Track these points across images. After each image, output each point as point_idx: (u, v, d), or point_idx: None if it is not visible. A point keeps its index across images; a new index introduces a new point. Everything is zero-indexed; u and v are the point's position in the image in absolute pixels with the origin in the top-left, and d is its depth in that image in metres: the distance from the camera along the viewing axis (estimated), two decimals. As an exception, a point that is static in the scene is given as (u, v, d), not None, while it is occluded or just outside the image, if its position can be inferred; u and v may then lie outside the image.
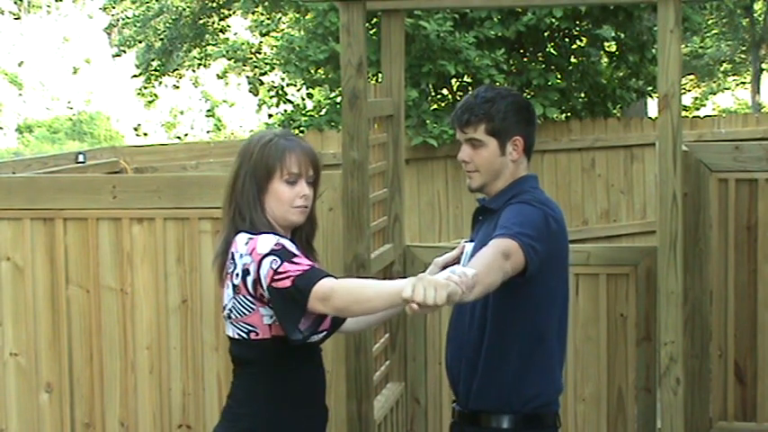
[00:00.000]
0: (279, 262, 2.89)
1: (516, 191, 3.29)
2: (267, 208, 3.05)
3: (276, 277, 2.89)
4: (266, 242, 2.95)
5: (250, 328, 3.02)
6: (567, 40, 10.91)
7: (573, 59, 10.99)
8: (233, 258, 3.01)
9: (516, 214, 3.17)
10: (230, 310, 3.05)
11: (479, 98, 3.29)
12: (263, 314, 2.99)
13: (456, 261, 3.38)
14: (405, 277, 4.41)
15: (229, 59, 17.61)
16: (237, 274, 2.99)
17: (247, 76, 14.77)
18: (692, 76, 24.22)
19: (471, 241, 3.38)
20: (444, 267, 3.41)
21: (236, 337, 3.06)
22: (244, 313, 3.01)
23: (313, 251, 3.20)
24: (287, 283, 2.87)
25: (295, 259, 2.90)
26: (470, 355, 3.30)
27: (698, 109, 23.53)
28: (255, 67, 15.38)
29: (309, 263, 2.92)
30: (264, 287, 2.92)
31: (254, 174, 3.03)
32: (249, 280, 2.96)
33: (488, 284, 2.90)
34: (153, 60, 19.10)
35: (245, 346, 3.05)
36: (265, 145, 3.04)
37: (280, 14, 17.36)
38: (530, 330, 3.25)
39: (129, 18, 20.21)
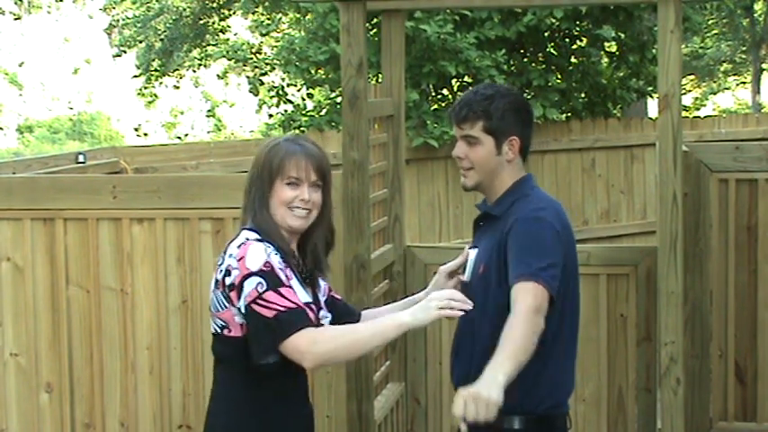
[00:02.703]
0: (264, 287, 2.88)
1: (517, 195, 3.26)
2: (273, 210, 3.04)
3: (259, 302, 2.88)
4: (256, 257, 2.91)
5: (223, 323, 3.00)
6: (567, 40, 10.91)
7: (573, 60, 10.99)
8: (224, 252, 3.01)
9: (528, 244, 3.10)
10: (210, 301, 3.04)
11: (479, 95, 3.26)
12: (234, 313, 2.96)
13: (461, 269, 3.35)
14: (405, 277, 4.44)
15: (230, 60, 17.60)
16: (221, 270, 2.97)
17: (248, 77, 14.77)
18: (692, 77, 24.22)
19: (475, 247, 3.35)
20: (451, 276, 3.39)
21: (213, 331, 3.05)
22: (218, 308, 3.00)
23: (320, 263, 3.13)
24: (268, 313, 2.86)
25: (282, 290, 2.88)
26: (480, 361, 3.27)
27: (698, 109, 23.54)
28: (256, 67, 15.38)
29: (294, 302, 2.88)
30: (242, 303, 2.91)
31: (261, 176, 3.05)
32: (228, 281, 2.94)
33: (525, 360, 2.94)
34: (153, 60, 19.10)
35: (221, 342, 3.03)
36: (271, 149, 3.06)
37: (280, 15, 17.36)
38: (544, 333, 3.22)
39: (129, 18, 20.21)
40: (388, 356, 4.49)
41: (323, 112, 10.78)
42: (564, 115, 10.75)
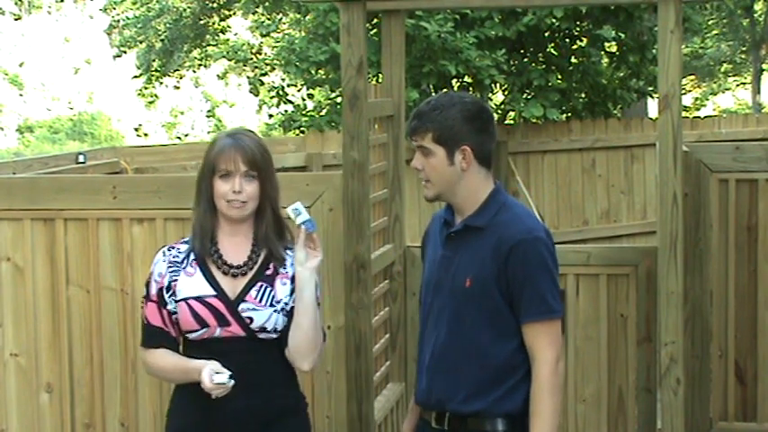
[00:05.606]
0: (144, 292, 3.26)
1: (497, 206, 3.19)
2: (216, 204, 3.21)
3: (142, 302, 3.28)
4: (153, 265, 3.26)
5: None
6: (567, 40, 10.92)
7: (573, 60, 10.99)
8: None
9: (537, 272, 3.11)
10: None
11: (430, 105, 3.20)
12: None
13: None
14: (405, 277, 4.44)
15: (230, 60, 17.62)
16: None
17: (248, 77, 14.77)
18: (692, 77, 24.23)
19: (446, 256, 3.26)
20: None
21: None
22: None
23: (275, 251, 3.22)
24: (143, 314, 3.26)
25: (146, 303, 3.22)
26: (474, 377, 3.23)
27: (698, 109, 23.54)
28: (256, 67, 15.36)
29: (145, 318, 3.22)
30: None
31: (203, 173, 3.23)
32: None
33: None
34: (153, 61, 19.11)
35: None
36: (210, 145, 3.25)
37: (280, 15, 17.36)
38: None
39: (129, 19, 20.22)
40: (389, 356, 4.49)
41: (323, 113, 10.78)
42: (564, 115, 10.76)
